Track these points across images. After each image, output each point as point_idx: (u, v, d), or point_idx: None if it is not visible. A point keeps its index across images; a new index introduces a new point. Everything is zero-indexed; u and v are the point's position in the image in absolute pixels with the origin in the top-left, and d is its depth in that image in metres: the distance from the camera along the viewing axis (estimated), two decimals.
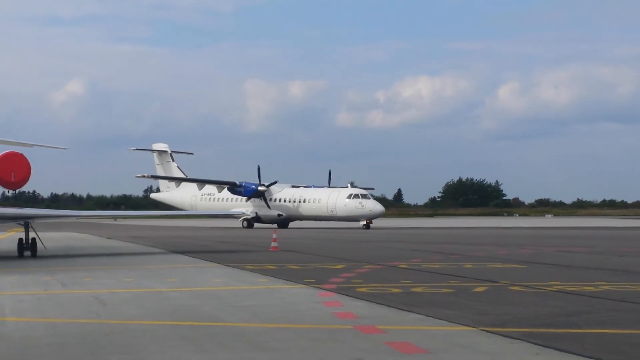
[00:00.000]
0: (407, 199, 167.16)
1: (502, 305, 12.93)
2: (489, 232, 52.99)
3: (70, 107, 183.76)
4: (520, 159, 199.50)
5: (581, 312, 12.12)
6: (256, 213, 69.98)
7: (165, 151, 78.08)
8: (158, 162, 78.45)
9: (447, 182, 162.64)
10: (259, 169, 70.17)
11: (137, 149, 79.30)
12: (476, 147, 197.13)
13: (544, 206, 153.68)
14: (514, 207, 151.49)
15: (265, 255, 26.75)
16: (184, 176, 75.55)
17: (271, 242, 30.67)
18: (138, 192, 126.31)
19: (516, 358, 8.56)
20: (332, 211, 66.57)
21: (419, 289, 15.44)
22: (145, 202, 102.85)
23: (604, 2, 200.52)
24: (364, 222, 63.89)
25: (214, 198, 73.69)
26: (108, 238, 42.10)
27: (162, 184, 78.30)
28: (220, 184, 71.37)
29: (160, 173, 77.54)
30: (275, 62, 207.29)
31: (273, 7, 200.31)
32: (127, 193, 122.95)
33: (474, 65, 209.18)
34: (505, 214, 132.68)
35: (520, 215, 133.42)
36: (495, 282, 16.97)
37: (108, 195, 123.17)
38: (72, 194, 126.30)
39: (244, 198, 70.50)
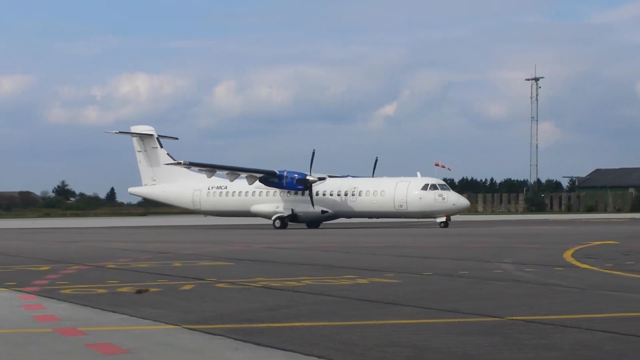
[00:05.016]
0: (120, 197, 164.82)
1: (207, 303, 13.12)
2: (201, 230, 53.41)
3: None
4: (236, 157, 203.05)
5: (282, 306, 12.57)
6: (292, 210, 57.32)
7: (151, 135, 64.91)
8: (139, 149, 64.91)
9: None
10: (313, 154, 56.00)
11: (119, 132, 65.21)
12: (192, 145, 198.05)
13: None
14: None
15: None
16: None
17: None
18: None
19: (216, 353, 8.74)
20: (400, 206, 54.34)
21: (125, 289, 15.31)
22: None
23: (317, 6, 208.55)
24: (442, 220, 53.13)
25: (227, 192, 60.21)
26: None
27: (145, 175, 65.12)
28: (251, 173, 57.63)
29: (142, 161, 64.79)
30: None
31: None
32: None
33: (191, 63, 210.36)
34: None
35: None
36: (203, 279, 17.17)
37: None
38: None
39: (272, 191, 57.90)
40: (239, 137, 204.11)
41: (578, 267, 19.73)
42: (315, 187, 56.64)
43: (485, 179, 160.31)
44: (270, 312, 11.86)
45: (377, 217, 58.82)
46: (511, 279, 16.79)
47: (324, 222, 59.54)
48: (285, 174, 56.23)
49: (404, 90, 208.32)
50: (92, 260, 23.63)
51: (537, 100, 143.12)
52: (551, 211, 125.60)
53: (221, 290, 15.14)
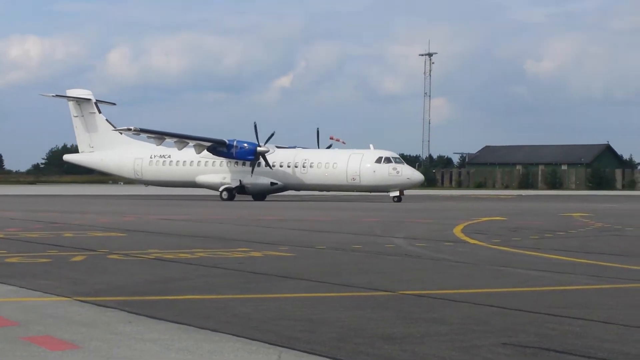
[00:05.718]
0: (9, 165, 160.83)
1: (98, 275, 12.93)
2: (93, 200, 52.40)
3: None
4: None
5: (175, 279, 12.50)
6: (240, 181, 54.54)
7: (88, 99, 61.02)
8: (76, 114, 60.96)
9: (52, 149, 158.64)
10: (255, 125, 54.30)
11: (55, 96, 61.90)
12: None
13: None
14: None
15: None
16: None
17: None
18: None
19: (109, 326, 8.60)
20: (353, 179, 52.44)
21: (14, 259, 14.95)
22: None
23: None
24: (396, 194, 51.64)
25: (171, 161, 56.97)
26: None
27: (82, 142, 61.16)
28: (199, 142, 54.49)
29: (79, 127, 60.88)
30: None
31: None
32: None
33: (84, 28, 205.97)
34: (110, 182, 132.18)
35: (125, 183, 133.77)
36: (94, 250, 16.91)
37: None
38: None
39: (219, 162, 55.17)
40: (133, 105, 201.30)
41: (467, 242, 20.21)
42: (267, 157, 54.28)
43: None
44: (163, 285, 11.78)
45: (329, 190, 57.00)
46: (403, 253, 17.09)
47: (272, 195, 57.44)
48: (235, 143, 54.02)
49: (300, 62, 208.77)
50: None
51: (430, 76, 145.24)
52: (442, 187, 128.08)
53: (113, 261, 14.94)
